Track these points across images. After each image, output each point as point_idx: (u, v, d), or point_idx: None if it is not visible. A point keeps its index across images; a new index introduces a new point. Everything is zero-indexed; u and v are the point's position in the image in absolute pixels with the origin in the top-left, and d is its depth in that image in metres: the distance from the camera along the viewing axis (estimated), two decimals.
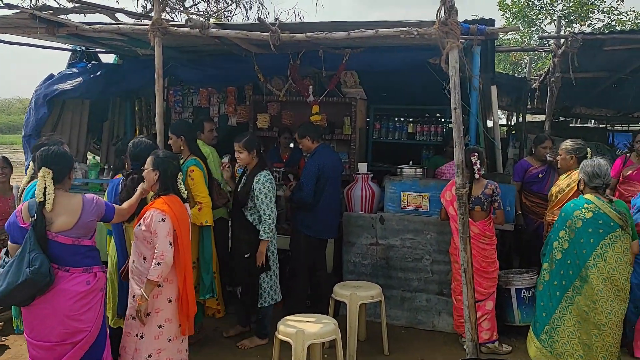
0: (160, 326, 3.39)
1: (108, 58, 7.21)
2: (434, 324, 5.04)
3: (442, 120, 7.33)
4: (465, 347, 4.55)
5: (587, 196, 3.74)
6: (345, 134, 6.83)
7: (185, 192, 3.63)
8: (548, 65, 6.59)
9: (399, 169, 5.38)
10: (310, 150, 5.05)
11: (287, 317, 3.74)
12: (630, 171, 5.20)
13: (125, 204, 3.49)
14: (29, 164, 5.95)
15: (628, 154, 5.48)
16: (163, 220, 3.28)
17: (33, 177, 3.59)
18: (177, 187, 3.51)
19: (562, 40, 5.64)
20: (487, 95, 6.63)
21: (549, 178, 5.54)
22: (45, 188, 2.94)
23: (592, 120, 11.04)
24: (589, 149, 4.71)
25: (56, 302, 2.90)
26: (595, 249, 3.59)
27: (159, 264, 3.22)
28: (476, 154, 4.53)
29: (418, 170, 5.30)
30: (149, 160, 3.51)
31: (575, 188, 4.47)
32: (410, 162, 7.13)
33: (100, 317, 3.09)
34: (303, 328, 3.49)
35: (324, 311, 5.04)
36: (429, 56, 5.98)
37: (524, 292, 4.69)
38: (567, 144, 4.72)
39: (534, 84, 7.72)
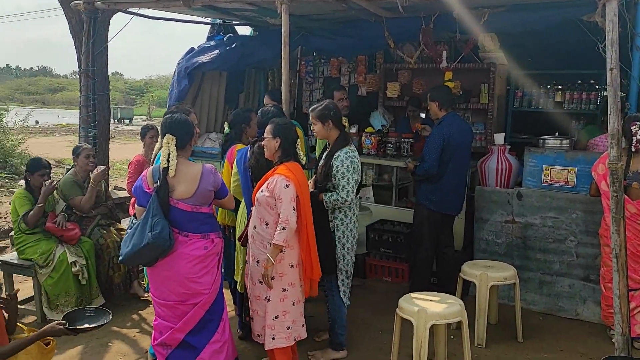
0: (284, 290, 3.41)
1: (244, 31, 7.40)
2: (578, 312, 4.53)
3: (597, 86, 6.49)
4: (613, 340, 4.03)
5: None
6: (481, 103, 6.36)
7: (304, 158, 3.58)
8: None
9: (541, 140, 4.85)
10: (437, 117, 4.73)
11: (411, 294, 3.55)
12: None
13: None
14: None
15: None
16: (287, 186, 3.27)
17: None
18: (297, 153, 3.47)
19: None
20: None
21: None
22: (169, 154, 3.04)
23: None
24: None
25: (176, 264, 3.01)
26: None
27: (284, 228, 3.22)
28: (637, 122, 3.91)
29: (564, 141, 4.73)
30: (268, 128, 3.49)
31: None
32: (557, 134, 6.51)
33: (217, 280, 3.18)
34: (426, 307, 3.28)
35: (450, 291, 4.80)
36: (582, 13, 5.29)
37: None
38: None
39: None
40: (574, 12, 5.25)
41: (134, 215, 3.36)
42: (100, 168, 4.81)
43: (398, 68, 6.61)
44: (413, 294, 3.57)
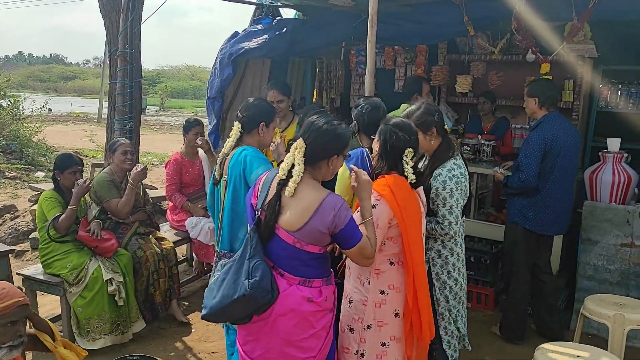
0: (384, 344, 2.63)
1: (289, 14, 6.64)
2: None
3: None
4: None
5: None
6: (565, 101, 5.56)
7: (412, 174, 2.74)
8: None
9: None
10: (535, 116, 3.95)
11: (547, 347, 2.78)
12: None
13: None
14: (214, 126, 5.64)
15: None
16: (374, 206, 2.49)
17: (238, 143, 3.00)
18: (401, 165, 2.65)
19: None
20: None
21: None
22: (293, 166, 2.21)
23: None
24: None
25: (274, 321, 2.21)
26: None
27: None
28: None
29: None
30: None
31: None
32: None
33: (326, 347, 2.31)
34: None
35: (545, 321, 4.05)
36: None
37: None
38: None
39: None
40: None
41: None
42: (140, 166, 4.09)
43: (470, 59, 5.81)
44: (549, 346, 2.80)
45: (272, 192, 2.21)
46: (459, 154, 3.07)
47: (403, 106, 4.47)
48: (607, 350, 3.17)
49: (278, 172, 2.24)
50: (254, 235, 2.17)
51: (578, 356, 2.67)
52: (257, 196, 2.28)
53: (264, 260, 2.13)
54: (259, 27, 5.85)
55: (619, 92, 5.92)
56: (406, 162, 2.61)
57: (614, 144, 4.21)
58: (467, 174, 3.01)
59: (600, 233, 4.10)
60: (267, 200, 2.21)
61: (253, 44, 5.61)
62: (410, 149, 2.60)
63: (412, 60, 6.47)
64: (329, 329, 2.26)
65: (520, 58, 5.38)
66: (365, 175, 2.41)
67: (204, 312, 2.24)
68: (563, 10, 4.61)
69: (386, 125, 2.68)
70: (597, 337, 3.98)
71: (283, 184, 2.17)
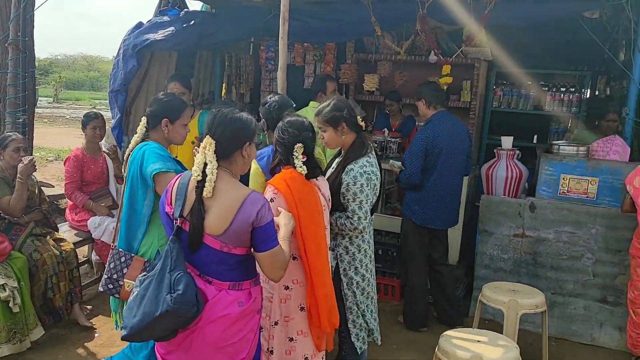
0: (291, 339, 2.67)
1: (196, 6, 6.48)
2: (593, 337, 4.15)
3: (581, 88, 6.23)
4: None
5: None
6: (463, 101, 5.89)
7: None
8: None
9: (555, 146, 4.42)
10: (426, 117, 4.17)
11: (450, 333, 2.95)
12: None
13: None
14: (117, 121, 5.37)
15: None
16: (272, 200, 2.54)
17: (144, 138, 2.88)
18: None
19: None
20: None
21: None
22: (205, 165, 2.09)
23: None
24: None
25: (200, 331, 2.08)
26: None
27: None
28: None
29: (582, 148, 4.33)
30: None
31: None
32: (535, 137, 6.19)
33: (253, 350, 2.22)
34: (480, 352, 2.69)
35: (445, 309, 4.29)
36: (584, 8, 4.95)
37: None
38: None
39: None
40: (576, 6, 4.90)
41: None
42: (27, 159, 3.82)
43: (377, 59, 5.99)
44: (452, 333, 2.96)
45: (191, 197, 2.10)
46: (373, 153, 3.15)
47: (312, 104, 4.54)
48: (502, 334, 3.42)
49: (191, 175, 2.13)
50: (174, 246, 2.04)
51: (478, 341, 2.84)
52: (171, 204, 2.16)
53: (186, 272, 2.01)
54: (165, 18, 5.65)
55: (511, 93, 6.38)
56: (296, 157, 2.65)
57: (507, 141, 4.53)
58: (379, 173, 3.10)
59: (495, 225, 4.39)
60: (188, 207, 2.09)
61: (159, 35, 5.41)
62: (300, 144, 2.65)
63: (322, 58, 6.56)
64: (256, 330, 2.20)
65: (423, 59, 5.62)
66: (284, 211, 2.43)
67: (124, 332, 2.07)
68: (462, 15, 4.88)
69: (281, 122, 2.74)
70: (493, 322, 4.26)
71: (200, 186, 2.06)
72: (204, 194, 2.04)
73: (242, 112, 2.24)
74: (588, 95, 6.54)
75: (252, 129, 2.21)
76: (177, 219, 2.08)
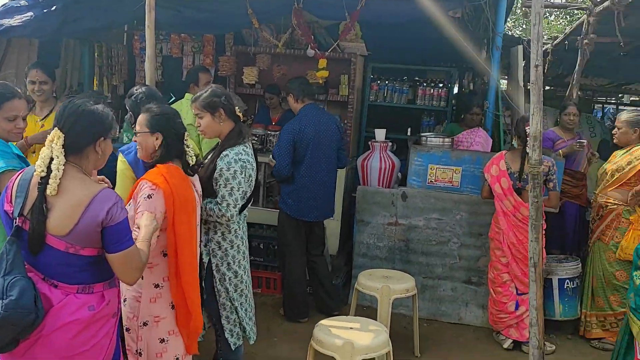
0: (162, 340, 2.56)
1: None
2: (460, 317, 4.43)
3: (449, 84, 6.62)
4: (504, 345, 4.02)
5: None
6: (341, 95, 6.01)
7: (193, 158, 2.70)
8: (575, 25, 5.97)
9: (423, 138, 4.64)
10: (295, 111, 4.24)
11: (325, 322, 2.99)
12: None
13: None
14: None
15: None
16: (150, 196, 2.42)
17: None
18: (185, 152, 2.61)
19: None
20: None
21: (579, 152, 4.99)
22: (51, 160, 1.90)
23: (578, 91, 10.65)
24: None
25: (46, 339, 1.90)
26: None
27: None
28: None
29: (447, 139, 4.59)
30: (142, 119, 2.58)
31: (639, 167, 3.91)
32: (409, 130, 6.48)
33: (109, 356, 2.08)
34: (351, 339, 2.76)
35: (323, 299, 4.37)
36: (450, 8, 5.25)
37: (567, 283, 4.15)
38: (628, 115, 4.12)
39: (544, 48, 7.11)
40: (442, 6, 5.17)
41: None
42: None
43: (256, 52, 5.93)
44: (326, 322, 3.01)
45: (33, 194, 1.91)
46: (250, 144, 3.11)
47: (187, 96, 4.41)
48: (377, 319, 3.55)
49: (35, 171, 1.94)
50: (10, 248, 1.85)
51: (351, 327, 2.92)
52: (11, 201, 1.96)
53: (24, 276, 1.83)
54: (23, 2, 5.18)
55: (386, 87, 6.64)
56: (187, 146, 2.58)
57: (380, 134, 4.70)
58: (255, 164, 3.06)
59: (370, 214, 4.54)
60: (29, 205, 1.90)
61: (16, 21, 4.97)
62: (187, 133, 2.60)
63: (200, 50, 6.38)
64: (112, 334, 2.05)
65: (302, 52, 5.64)
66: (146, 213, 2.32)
67: None
68: (337, 10, 4.97)
69: (161, 114, 2.61)
70: (370, 308, 4.40)
71: (44, 182, 1.88)
72: (48, 191, 1.87)
73: (97, 104, 2.09)
74: (456, 91, 6.97)
75: (107, 122, 2.07)
76: (17, 218, 1.90)
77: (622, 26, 5.04)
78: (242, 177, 2.90)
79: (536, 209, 3.13)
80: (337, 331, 2.85)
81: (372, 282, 3.67)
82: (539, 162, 3.11)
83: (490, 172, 3.94)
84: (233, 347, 3.01)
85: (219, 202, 2.85)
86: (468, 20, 5.30)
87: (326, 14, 5.15)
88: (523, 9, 4.36)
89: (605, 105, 11.01)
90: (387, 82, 6.59)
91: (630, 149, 4.03)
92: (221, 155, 2.92)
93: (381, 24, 5.84)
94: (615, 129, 4.13)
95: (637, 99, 11.42)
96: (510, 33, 8.99)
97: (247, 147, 3.01)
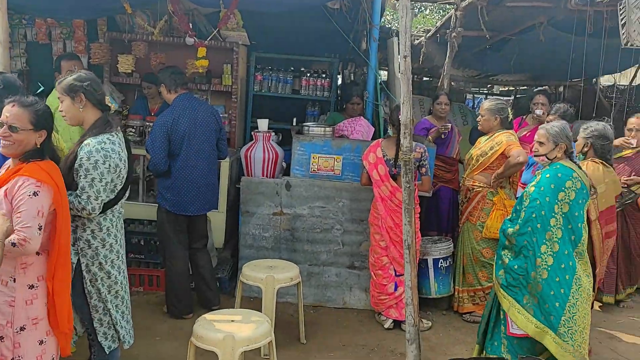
0: (41, 342, 2.40)
1: None
2: (345, 301, 4.56)
3: (331, 74, 6.74)
4: (385, 325, 4.20)
5: (567, 163, 3.37)
6: (224, 85, 5.91)
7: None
8: (444, 19, 6.33)
9: (305, 128, 4.69)
10: (170, 102, 4.11)
11: (205, 317, 2.92)
12: (525, 132, 5.15)
13: None
14: None
15: (524, 116, 5.46)
16: (36, 193, 2.28)
17: None
18: (54, 149, 2.48)
19: None
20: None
21: (451, 139, 5.32)
22: None
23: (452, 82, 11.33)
24: (509, 109, 4.52)
25: None
26: (582, 220, 3.32)
27: (13, 244, 2.21)
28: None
29: (328, 129, 4.68)
30: (19, 113, 2.38)
31: (500, 151, 4.24)
32: (295, 120, 6.53)
33: None
34: (232, 332, 2.73)
35: (205, 293, 4.29)
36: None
37: (441, 262, 4.42)
38: (490, 104, 4.44)
39: (418, 41, 7.47)
40: None
41: None
42: None
43: (131, 39, 5.64)
44: (208, 316, 2.95)
45: None
46: (120, 134, 2.91)
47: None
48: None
49: None
50: None
51: (232, 320, 2.89)
52: None
53: None
54: None
55: (270, 77, 6.61)
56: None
57: (263, 124, 4.68)
58: (125, 155, 2.86)
59: (255, 205, 4.52)
60: None
61: None
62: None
63: (70, 36, 5.97)
64: None
65: (181, 41, 5.46)
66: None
67: None
68: None
69: (41, 110, 2.46)
70: (257, 300, 4.36)
71: None
72: None
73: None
74: (340, 81, 7.12)
75: None
76: None
77: (486, 20, 5.45)
78: (106, 168, 2.69)
79: (408, 193, 3.28)
80: (218, 325, 2.81)
81: (257, 273, 3.66)
82: (410, 149, 3.26)
83: (368, 160, 4.07)
84: (107, 351, 2.86)
85: (79, 194, 2.64)
86: (346, 11, 5.41)
87: (204, 1, 5.01)
88: (392, 1, 4.50)
89: (476, 95, 11.81)
90: (271, 72, 6.57)
91: (492, 135, 4.35)
92: (82, 144, 2.72)
93: (262, 13, 5.81)
94: (479, 117, 4.45)
95: (507, 89, 12.40)
96: (389, 26, 9.32)
97: (113, 137, 2.80)
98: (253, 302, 4.34)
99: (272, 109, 6.93)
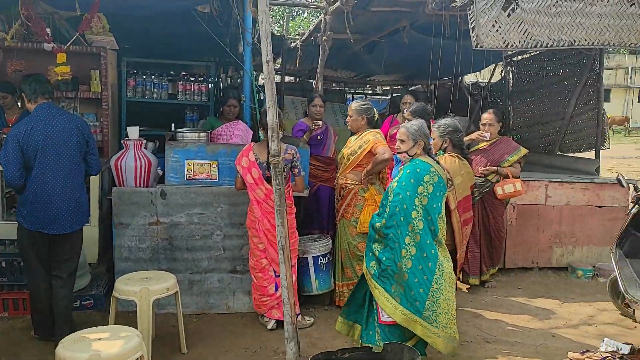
0: None
1: None
2: (229, 306, 4.54)
3: (209, 78, 6.67)
4: (269, 326, 4.24)
5: (426, 159, 3.60)
6: (93, 92, 5.64)
7: None
8: (316, 23, 6.49)
9: (179, 134, 4.61)
10: (31, 112, 3.85)
11: (70, 337, 2.78)
12: (396, 130, 5.44)
13: None
14: None
15: (395, 115, 5.76)
16: None
17: None
18: None
19: None
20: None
21: (327, 139, 5.49)
22: None
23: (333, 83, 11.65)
24: (375, 109, 4.75)
25: None
26: (440, 211, 3.56)
27: None
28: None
29: (202, 134, 4.63)
30: None
31: (368, 149, 4.44)
32: (173, 126, 6.40)
33: None
34: (98, 350, 2.62)
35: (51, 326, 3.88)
36: (198, 3, 5.29)
37: (320, 260, 4.54)
38: (357, 104, 4.63)
39: (294, 44, 7.60)
40: (190, 1, 5.19)
41: None
42: None
43: None
44: (74, 335, 2.81)
45: None
46: None
47: None
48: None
49: None
50: None
51: (100, 338, 2.77)
52: None
53: None
54: None
55: (144, 83, 6.41)
56: None
57: (133, 131, 4.53)
58: None
59: (130, 216, 4.37)
60: None
61: None
62: None
63: None
64: None
65: (40, 46, 5.13)
66: None
67: None
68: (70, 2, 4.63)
69: None
70: (136, 314, 4.25)
71: None
72: None
73: None
74: (219, 85, 7.07)
75: None
76: None
77: (354, 24, 5.68)
78: None
79: (279, 195, 3.35)
80: (82, 345, 2.69)
81: (130, 286, 3.54)
82: (278, 152, 3.33)
83: (241, 164, 4.09)
84: None
85: None
86: (217, 15, 5.39)
87: (62, 4, 4.75)
88: (252, 8, 4.56)
89: (357, 96, 12.23)
90: (145, 77, 6.37)
91: (360, 134, 4.56)
92: None
93: (132, 17, 5.63)
94: (348, 117, 4.63)
95: (388, 88, 12.94)
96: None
97: None
98: (132, 316, 4.18)
99: (151, 115, 6.73)
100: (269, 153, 3.97)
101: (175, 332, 4.05)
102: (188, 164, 4.40)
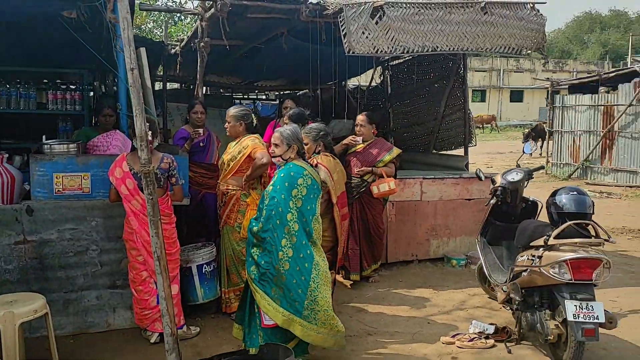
0: None
1: None
2: (109, 323, 4.36)
3: (81, 86, 6.36)
4: (152, 340, 4.14)
5: (300, 163, 3.68)
6: None
7: None
8: (194, 29, 6.40)
9: (46, 146, 4.35)
10: None
11: None
12: None
13: None
14: None
15: (278, 120, 5.85)
16: None
17: None
18: None
19: (209, 3, 5.50)
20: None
21: (209, 146, 5.46)
22: None
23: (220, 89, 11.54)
24: (253, 115, 4.80)
25: None
26: (315, 213, 3.65)
27: None
28: (147, 124, 4.01)
29: (72, 145, 4.40)
30: None
31: (247, 154, 4.47)
32: (44, 137, 6.06)
33: None
34: None
35: None
36: (63, 8, 5.03)
37: (205, 268, 4.51)
38: (235, 111, 4.66)
39: (174, 50, 7.46)
40: (54, 5, 4.93)
41: None
42: None
43: None
44: None
45: None
46: None
47: None
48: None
49: None
50: None
51: None
52: None
53: None
54: None
55: (9, 93, 5.99)
56: None
57: None
58: None
59: None
60: None
61: None
62: None
63: None
64: None
65: None
66: None
67: None
68: None
69: None
70: None
71: None
72: None
73: None
74: (92, 93, 6.76)
75: None
76: None
77: (232, 30, 5.69)
78: None
79: (152, 205, 3.29)
80: None
81: None
82: (147, 161, 3.27)
83: (114, 175, 3.96)
84: None
85: None
86: (86, 21, 5.15)
87: None
88: (111, 15, 4.45)
89: (245, 102, 12.22)
90: (8, 86, 5.94)
91: (239, 140, 4.58)
92: None
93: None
94: (227, 123, 4.64)
95: (278, 93, 13.00)
96: (150, 35, 9.17)
97: None
98: None
99: (20, 127, 6.31)
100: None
101: (47, 356, 3.83)
102: (56, 177, 4.18)
